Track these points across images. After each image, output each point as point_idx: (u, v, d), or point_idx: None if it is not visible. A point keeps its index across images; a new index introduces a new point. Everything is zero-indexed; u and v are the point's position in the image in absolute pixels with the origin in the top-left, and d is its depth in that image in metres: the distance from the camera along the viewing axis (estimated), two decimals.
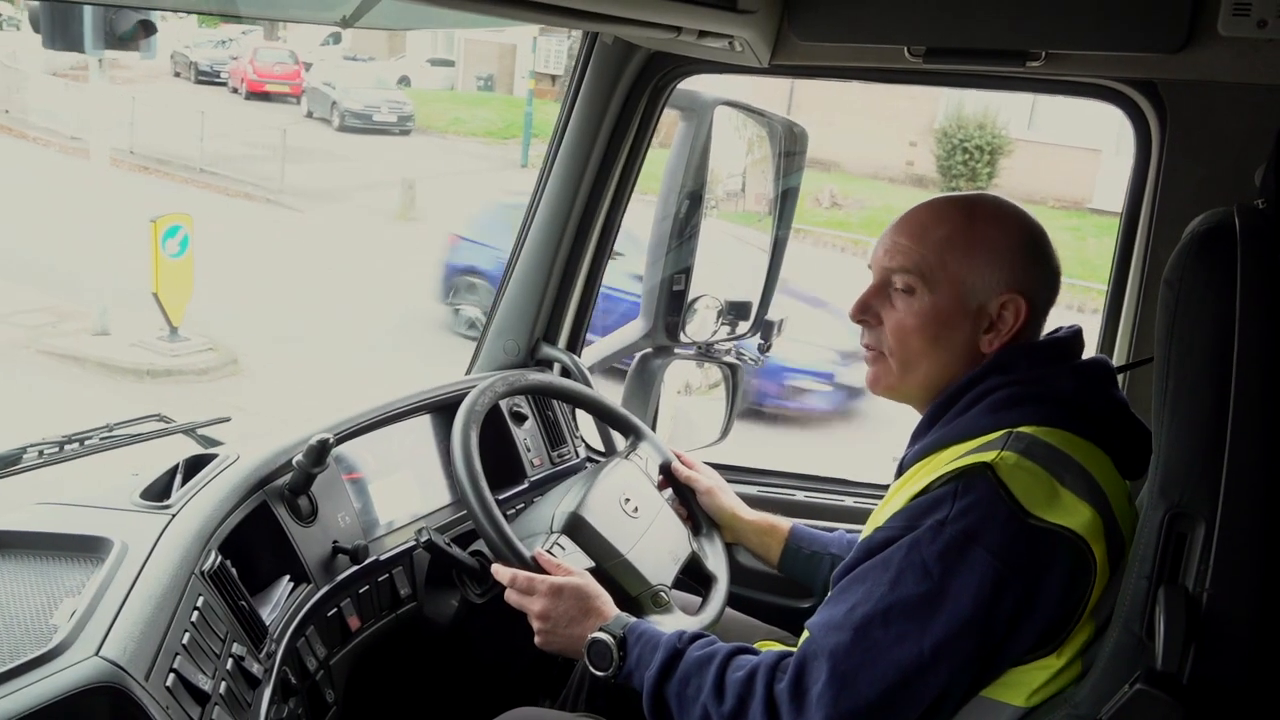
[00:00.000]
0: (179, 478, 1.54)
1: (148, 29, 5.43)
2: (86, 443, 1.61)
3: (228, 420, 1.87)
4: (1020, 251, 1.32)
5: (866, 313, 1.39)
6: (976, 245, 1.31)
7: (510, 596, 1.54)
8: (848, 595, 1.23)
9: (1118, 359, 1.98)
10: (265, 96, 22.03)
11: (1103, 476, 1.22)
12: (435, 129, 21.58)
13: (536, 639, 1.51)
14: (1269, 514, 1.01)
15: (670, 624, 1.63)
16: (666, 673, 1.35)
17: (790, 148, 2.37)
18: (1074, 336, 1.35)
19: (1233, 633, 1.02)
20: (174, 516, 1.41)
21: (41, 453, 1.56)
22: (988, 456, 1.19)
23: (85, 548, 1.33)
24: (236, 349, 8.29)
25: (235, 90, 22.30)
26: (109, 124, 9.01)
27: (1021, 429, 1.23)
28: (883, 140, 17.97)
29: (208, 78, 21.49)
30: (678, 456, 1.94)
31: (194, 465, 1.58)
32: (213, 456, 1.61)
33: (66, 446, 1.59)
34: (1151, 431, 1.31)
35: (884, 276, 1.37)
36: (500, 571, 1.56)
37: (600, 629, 1.44)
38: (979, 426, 1.26)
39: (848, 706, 1.17)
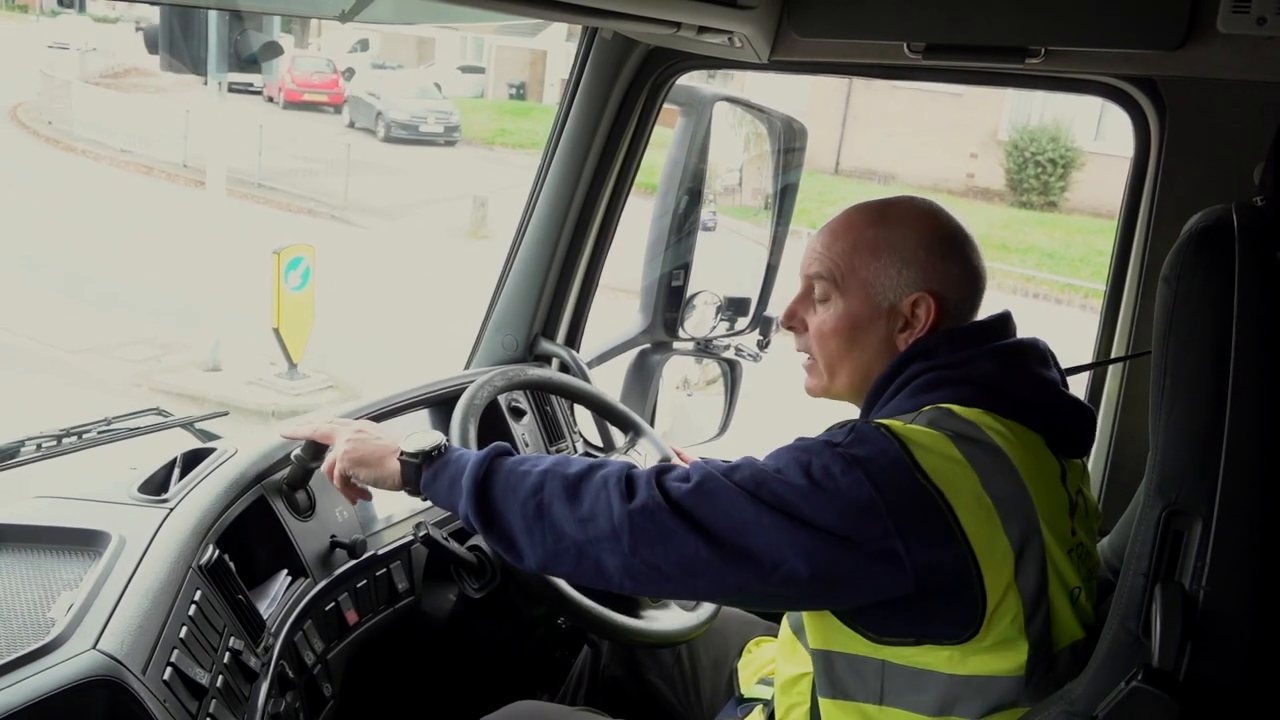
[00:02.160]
0: (177, 471, 1.55)
1: (273, 50, 5.30)
2: (84, 436, 1.61)
3: (225, 414, 1.87)
4: (929, 251, 1.33)
5: (793, 319, 1.43)
6: (883, 247, 1.34)
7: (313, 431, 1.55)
8: (735, 463, 1.23)
9: (1117, 354, 1.99)
10: (303, 106, 21.88)
11: (1024, 456, 1.21)
12: (481, 140, 21.45)
13: (339, 467, 1.48)
14: (1266, 511, 1.01)
15: (666, 619, 1.63)
16: (491, 462, 1.33)
17: (790, 144, 2.37)
18: (1000, 320, 1.35)
19: (1229, 630, 1.02)
20: (172, 510, 1.41)
21: (39, 446, 1.56)
22: (890, 421, 1.21)
23: (83, 541, 1.33)
24: (357, 387, 7.89)
25: (271, 100, 22.08)
26: (223, 151, 8.52)
27: (940, 405, 1.24)
28: (941, 151, 17.94)
29: (240, 87, 21.13)
30: (676, 453, 1.94)
31: (192, 459, 1.58)
32: (210, 450, 1.61)
33: (64, 440, 1.59)
34: (1091, 410, 1.33)
35: (806, 284, 1.41)
36: (299, 429, 1.57)
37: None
38: (902, 409, 1.27)
39: (701, 513, 1.18)
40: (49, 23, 29.18)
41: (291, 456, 1.60)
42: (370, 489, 1.51)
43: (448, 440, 1.43)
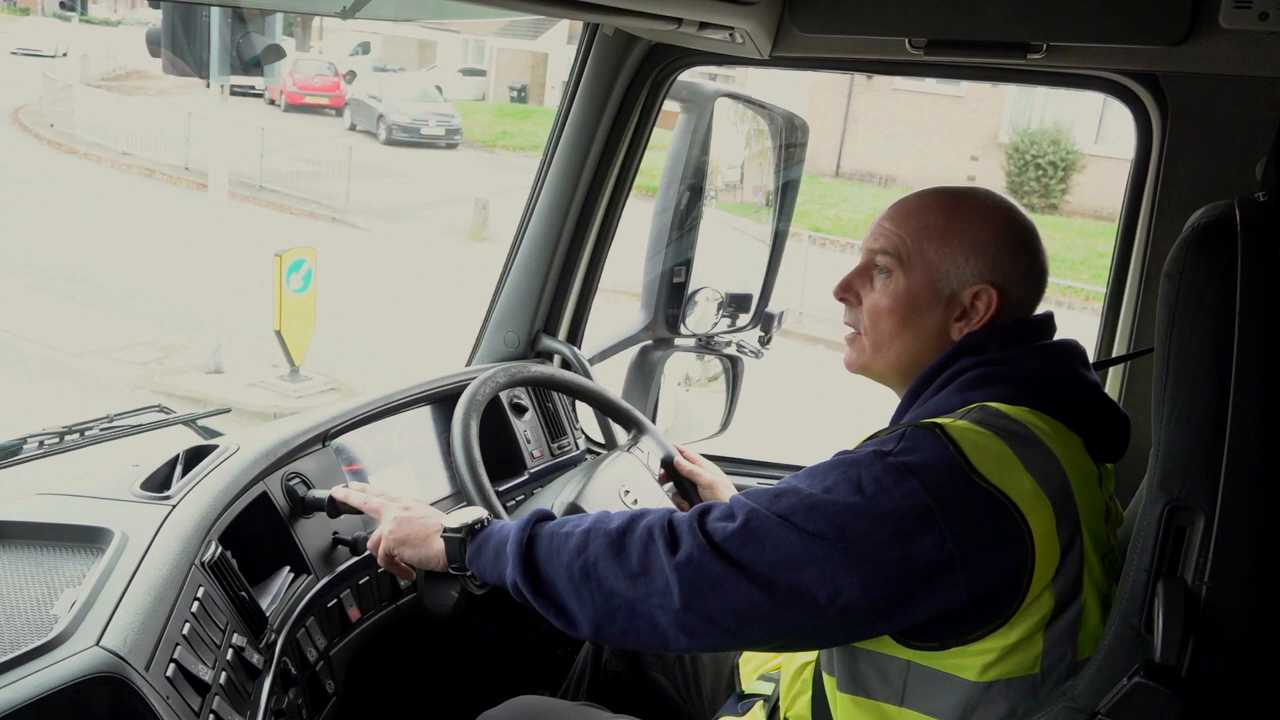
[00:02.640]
0: (179, 469, 1.54)
1: (275, 53, 5.28)
2: (87, 433, 1.61)
3: (227, 411, 1.87)
4: (999, 245, 1.32)
5: (848, 291, 1.41)
6: (954, 234, 1.32)
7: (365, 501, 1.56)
8: (778, 489, 1.21)
9: (1118, 352, 1.98)
10: (305, 109, 21.84)
11: (1068, 457, 1.21)
12: (482, 143, 21.40)
13: (384, 546, 1.49)
14: (1268, 507, 1.01)
15: None
16: (533, 528, 1.32)
17: (791, 140, 2.37)
18: (1046, 320, 1.35)
19: (1231, 626, 1.02)
20: (174, 507, 1.41)
21: (42, 443, 1.56)
22: (942, 420, 1.19)
23: (86, 538, 1.33)
24: (360, 389, 7.62)
25: (273, 102, 22.01)
26: (224, 154, 8.50)
27: (987, 404, 1.23)
28: (942, 154, 17.89)
29: (242, 90, 20.53)
30: (680, 451, 1.94)
31: (194, 456, 1.58)
32: (213, 448, 1.61)
33: (67, 437, 1.59)
34: (1127, 415, 1.32)
35: (868, 258, 1.39)
36: (351, 495, 1.57)
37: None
38: (949, 405, 1.26)
39: (748, 555, 1.15)
40: (10, 26, 28.87)
41: (334, 497, 1.60)
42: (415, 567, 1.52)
43: (488, 515, 1.43)
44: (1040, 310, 1.37)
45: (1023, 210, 1.37)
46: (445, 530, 1.41)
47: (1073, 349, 1.33)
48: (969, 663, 1.17)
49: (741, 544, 1.16)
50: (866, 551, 1.13)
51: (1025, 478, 1.15)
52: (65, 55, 23.83)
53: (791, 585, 1.14)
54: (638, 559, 1.21)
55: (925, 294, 1.33)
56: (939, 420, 1.19)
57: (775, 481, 2.25)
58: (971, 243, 1.32)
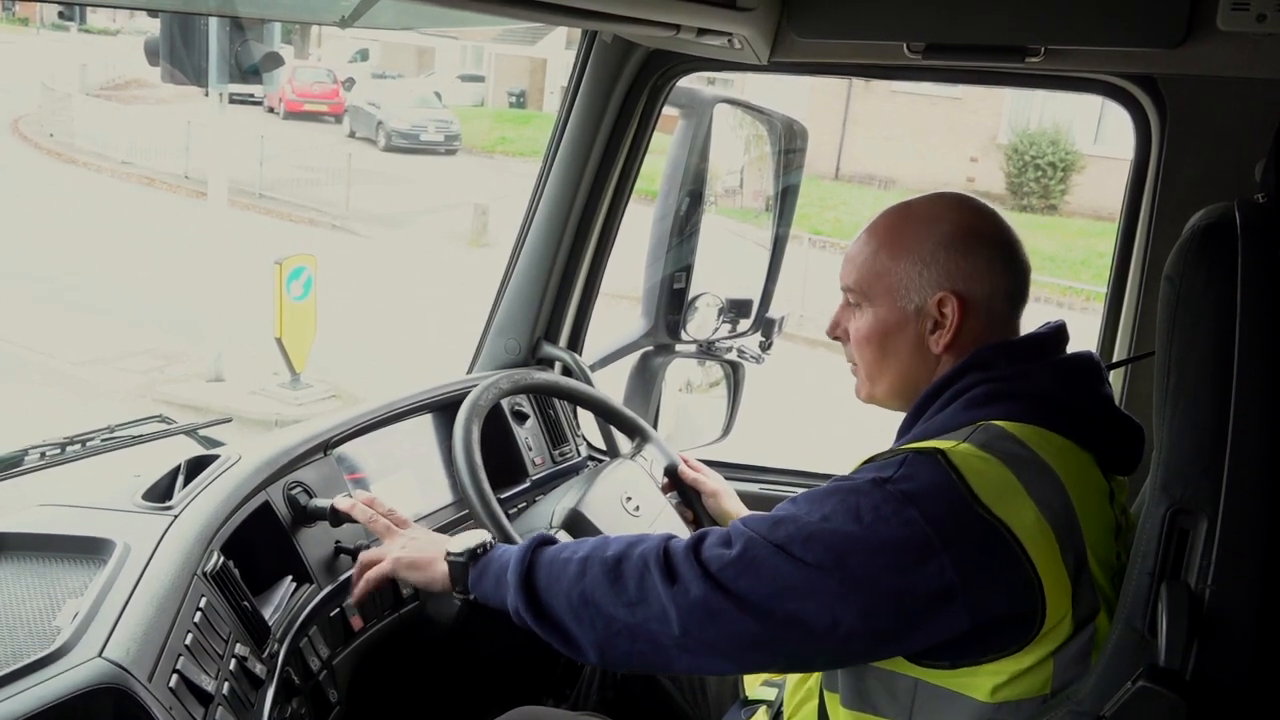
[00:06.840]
0: (181, 479, 1.54)
1: (274, 61, 5.28)
2: (88, 444, 1.61)
3: (228, 421, 1.87)
4: (945, 249, 1.29)
5: (837, 329, 1.41)
6: (901, 250, 1.31)
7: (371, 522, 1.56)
8: (775, 516, 1.21)
9: (1118, 355, 1.98)
10: (304, 116, 21.81)
11: (1075, 477, 1.19)
12: (481, 148, 21.41)
13: (388, 568, 1.50)
14: (1271, 509, 1.01)
15: None
16: (533, 554, 1.33)
17: (790, 145, 2.38)
18: (1056, 332, 1.33)
19: (1235, 628, 1.02)
20: (176, 518, 1.41)
21: (43, 454, 1.56)
22: (944, 444, 1.18)
23: (88, 549, 1.33)
24: (361, 396, 7.52)
25: (272, 110, 21.97)
26: (224, 161, 8.52)
27: (993, 423, 1.21)
28: (941, 155, 17.87)
29: (241, 98, 20.13)
30: (683, 460, 1.94)
31: (196, 466, 1.57)
32: (214, 457, 1.61)
33: (68, 448, 1.58)
34: (1142, 426, 1.30)
35: (844, 295, 1.39)
36: (356, 510, 1.57)
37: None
38: (955, 422, 1.24)
39: (744, 585, 1.15)
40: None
41: (336, 506, 1.60)
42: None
43: (491, 538, 1.44)
44: (1037, 313, 1.35)
45: (977, 205, 1.34)
46: (449, 554, 1.42)
47: (1087, 363, 1.30)
48: (979, 682, 1.16)
49: (738, 574, 1.16)
50: (865, 582, 1.12)
51: (1028, 506, 1.14)
52: None
53: (789, 615, 1.14)
54: (635, 587, 1.21)
55: (892, 317, 1.32)
56: (940, 445, 1.17)
57: (777, 487, 2.26)
58: (917, 254, 1.30)
